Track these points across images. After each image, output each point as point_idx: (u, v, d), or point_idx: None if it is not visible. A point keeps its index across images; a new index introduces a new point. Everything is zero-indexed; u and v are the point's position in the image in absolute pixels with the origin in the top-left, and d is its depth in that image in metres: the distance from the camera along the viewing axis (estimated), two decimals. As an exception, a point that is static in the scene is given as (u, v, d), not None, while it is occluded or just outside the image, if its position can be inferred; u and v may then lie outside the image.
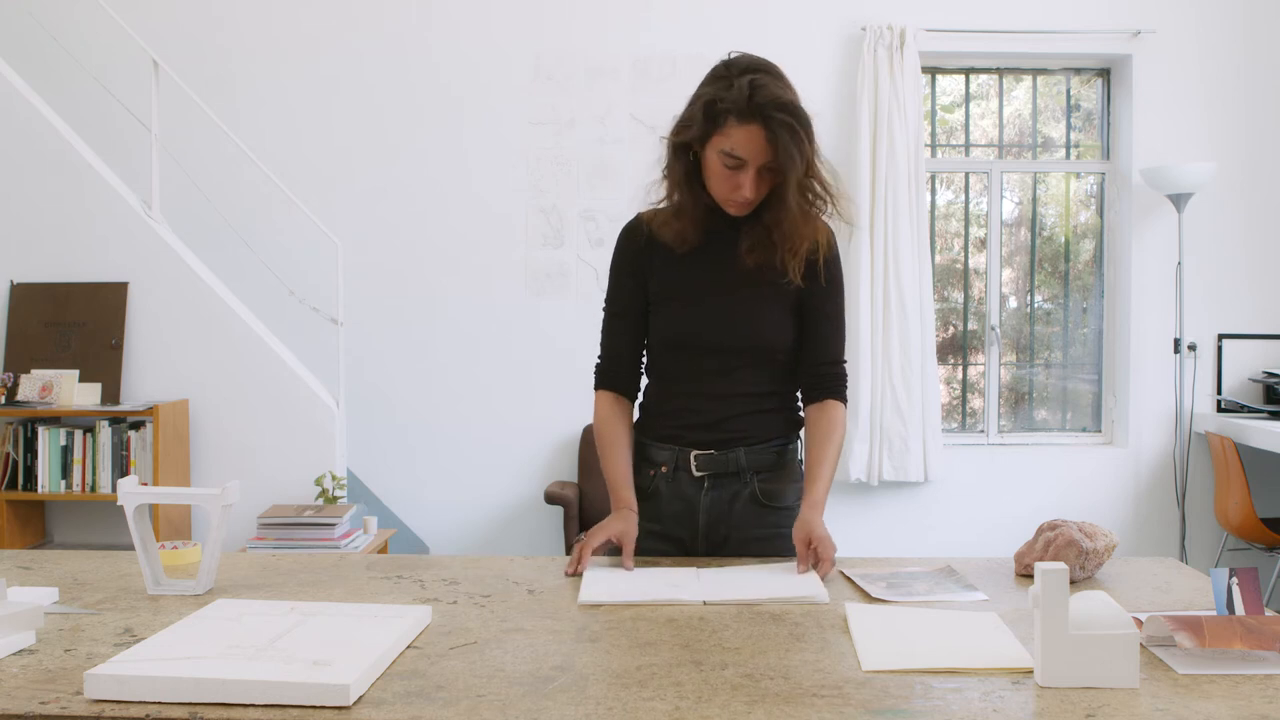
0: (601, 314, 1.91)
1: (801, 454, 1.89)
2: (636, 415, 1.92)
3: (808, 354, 1.84)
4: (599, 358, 1.91)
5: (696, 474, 1.82)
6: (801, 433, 1.90)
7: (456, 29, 4.67)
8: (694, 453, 1.82)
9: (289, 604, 1.35)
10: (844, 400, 1.85)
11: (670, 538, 1.84)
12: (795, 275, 1.75)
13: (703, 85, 1.72)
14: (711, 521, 1.83)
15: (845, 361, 1.87)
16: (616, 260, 1.88)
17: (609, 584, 1.55)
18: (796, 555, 1.65)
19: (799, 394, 1.90)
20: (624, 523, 1.73)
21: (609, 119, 4.65)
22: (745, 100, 1.63)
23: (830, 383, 1.84)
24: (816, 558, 1.63)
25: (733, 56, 1.72)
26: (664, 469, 1.84)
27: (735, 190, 1.70)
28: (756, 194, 1.70)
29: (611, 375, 1.89)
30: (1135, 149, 4.75)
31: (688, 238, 1.79)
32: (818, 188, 1.72)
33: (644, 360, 1.91)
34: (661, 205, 1.82)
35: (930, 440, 4.63)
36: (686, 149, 1.74)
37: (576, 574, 1.63)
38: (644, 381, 1.92)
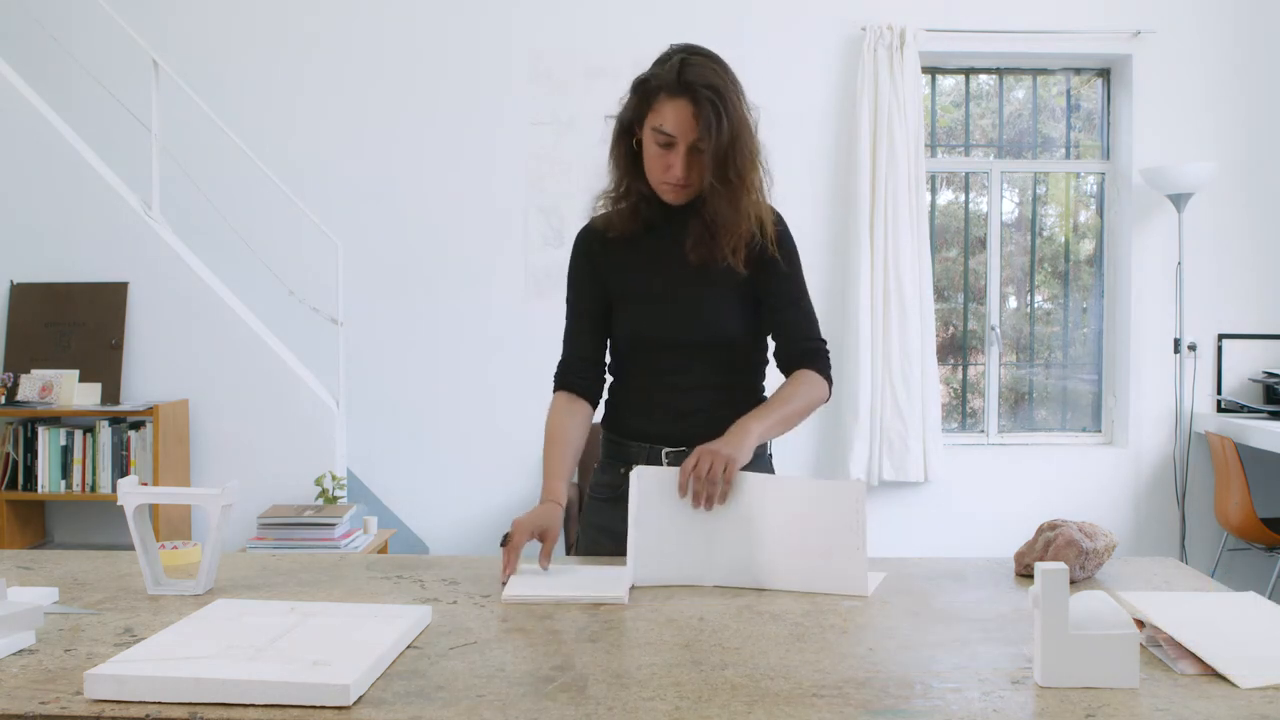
0: (565, 317, 1.92)
1: (771, 449, 1.91)
2: (606, 412, 1.94)
3: (781, 340, 1.84)
4: (561, 358, 1.91)
5: None
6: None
7: (457, 29, 4.67)
8: (665, 450, 1.82)
9: (289, 604, 1.35)
10: (820, 370, 1.80)
11: None
12: (736, 263, 1.75)
13: (647, 69, 1.75)
14: None
15: (824, 340, 1.85)
16: (574, 266, 1.89)
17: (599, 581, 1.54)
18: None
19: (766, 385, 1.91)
20: (547, 517, 1.64)
21: (609, 119, 4.64)
22: (675, 76, 1.68)
23: (805, 358, 1.82)
24: (700, 480, 1.55)
25: (676, 44, 1.76)
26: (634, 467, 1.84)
27: (667, 170, 1.72)
28: (687, 174, 1.71)
29: (571, 376, 1.88)
30: (1135, 149, 4.75)
31: (620, 226, 1.82)
32: (745, 171, 1.71)
33: (607, 362, 1.92)
34: (602, 206, 1.86)
35: (930, 440, 4.63)
36: (628, 131, 1.78)
37: (504, 581, 1.54)
38: (609, 381, 1.93)
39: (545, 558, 1.61)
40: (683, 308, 1.80)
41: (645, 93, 1.71)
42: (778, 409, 1.72)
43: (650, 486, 1.57)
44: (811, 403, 1.77)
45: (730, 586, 1.53)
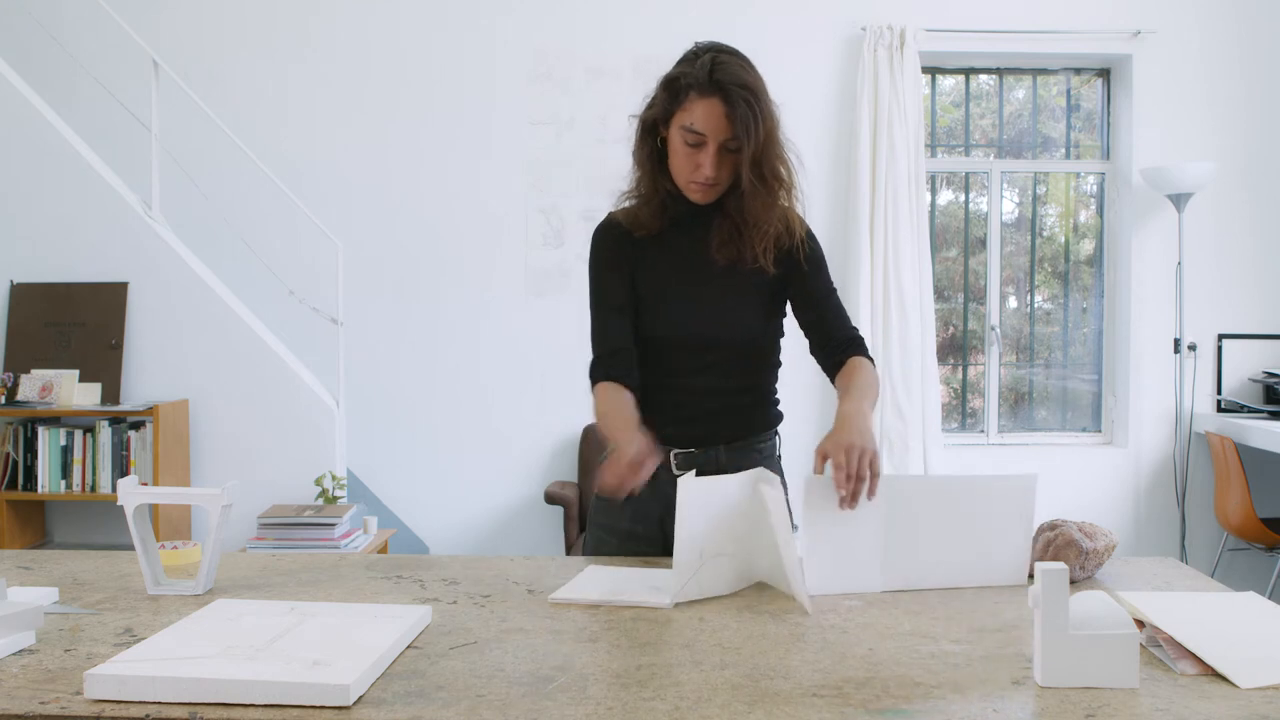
0: (590, 314, 1.86)
1: (779, 450, 1.90)
2: None
3: (821, 332, 1.83)
4: (595, 355, 1.82)
5: (676, 473, 1.80)
6: (780, 428, 1.91)
7: (457, 29, 4.67)
8: (674, 451, 1.81)
9: (289, 604, 1.35)
10: (870, 358, 1.79)
11: (649, 538, 1.82)
12: (767, 263, 1.75)
13: (672, 67, 1.74)
14: None
15: (858, 330, 1.84)
16: (599, 257, 1.85)
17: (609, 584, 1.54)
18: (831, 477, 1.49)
19: (777, 391, 1.91)
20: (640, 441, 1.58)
21: (609, 119, 4.65)
22: (706, 75, 1.66)
23: (854, 346, 1.80)
24: (853, 478, 1.47)
25: (702, 42, 1.74)
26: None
27: (696, 170, 1.71)
28: (717, 173, 1.70)
29: (611, 367, 1.79)
30: (1135, 149, 4.75)
31: (646, 224, 1.80)
32: (780, 170, 1.72)
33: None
34: (628, 204, 1.84)
35: (930, 440, 4.63)
36: (653, 131, 1.76)
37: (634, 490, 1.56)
38: None
39: (653, 456, 1.56)
40: (705, 307, 1.78)
41: (674, 91, 1.69)
42: (868, 394, 1.66)
43: (821, 496, 1.49)
44: (879, 388, 1.76)
45: (891, 591, 1.50)
